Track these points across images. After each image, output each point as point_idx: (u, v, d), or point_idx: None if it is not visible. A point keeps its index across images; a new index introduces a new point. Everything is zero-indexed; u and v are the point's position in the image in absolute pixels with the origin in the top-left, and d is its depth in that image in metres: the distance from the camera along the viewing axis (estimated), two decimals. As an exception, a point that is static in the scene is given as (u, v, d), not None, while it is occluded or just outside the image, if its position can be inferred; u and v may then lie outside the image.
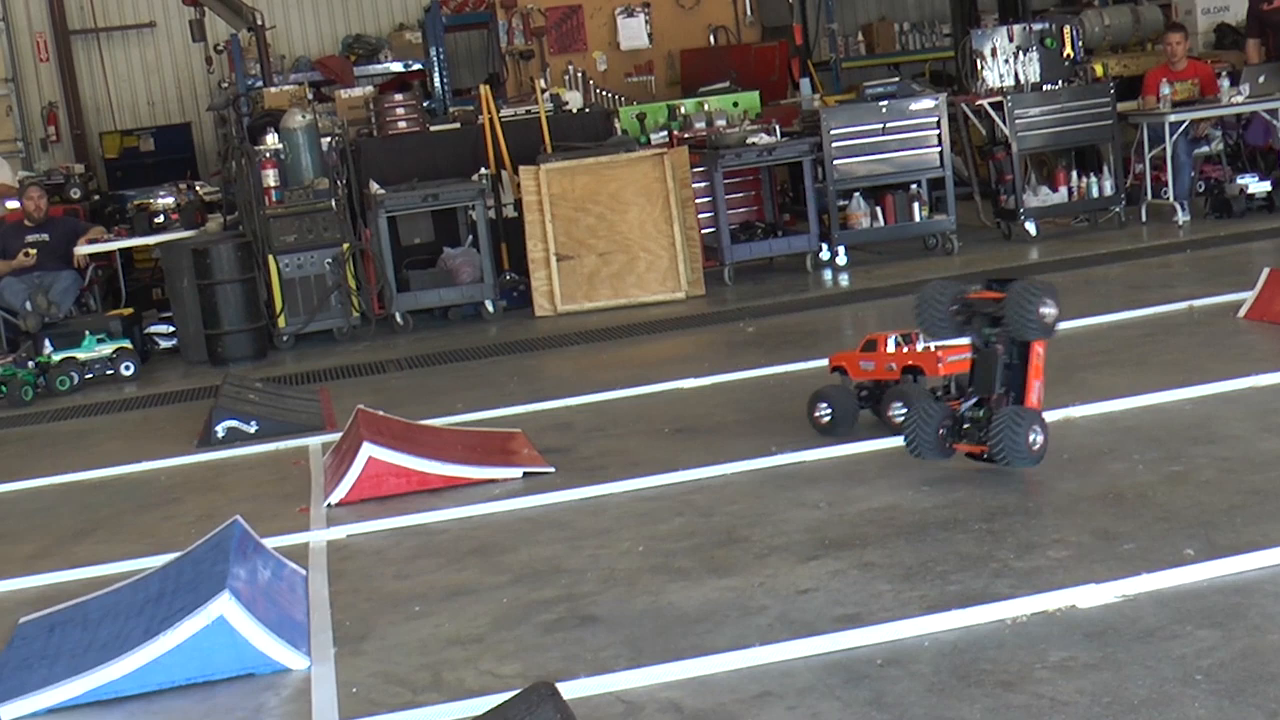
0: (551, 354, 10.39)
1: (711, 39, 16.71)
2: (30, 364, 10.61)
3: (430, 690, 4.60)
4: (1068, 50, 12.83)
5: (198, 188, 14.10)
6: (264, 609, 4.99)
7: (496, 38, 16.44)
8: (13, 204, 12.81)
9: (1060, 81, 12.77)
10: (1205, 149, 13.41)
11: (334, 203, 11.57)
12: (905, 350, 6.95)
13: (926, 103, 12.46)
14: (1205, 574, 4.77)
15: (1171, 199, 12.80)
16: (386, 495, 6.78)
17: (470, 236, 12.08)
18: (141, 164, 18.61)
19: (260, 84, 14.86)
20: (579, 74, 15.41)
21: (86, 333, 11.07)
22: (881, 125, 12.33)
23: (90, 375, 10.87)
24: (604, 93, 15.22)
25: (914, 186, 12.59)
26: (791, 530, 5.72)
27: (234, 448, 8.23)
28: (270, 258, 11.46)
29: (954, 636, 4.51)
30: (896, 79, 13.63)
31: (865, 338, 7.18)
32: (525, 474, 6.93)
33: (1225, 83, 12.83)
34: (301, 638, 5.06)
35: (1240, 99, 12.80)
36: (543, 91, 13.07)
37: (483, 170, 12.15)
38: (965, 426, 6.09)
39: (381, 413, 7.50)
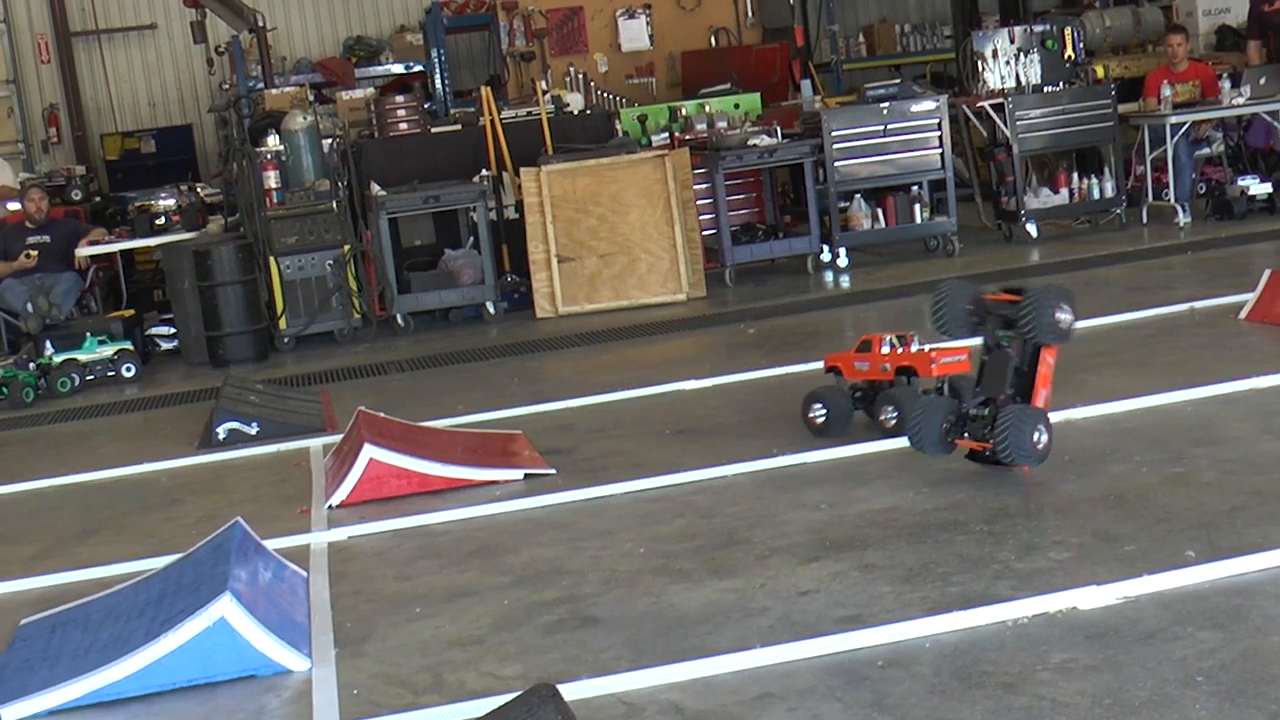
0: (552, 355, 10.39)
1: (712, 41, 16.71)
2: (31, 366, 10.62)
3: (431, 692, 4.60)
4: (1069, 52, 12.83)
5: (199, 189, 14.09)
6: (265, 610, 4.99)
7: (497, 39, 16.44)
8: (14, 206, 12.82)
9: (1061, 83, 12.76)
10: (1206, 151, 13.41)
11: (335, 204, 11.58)
12: (899, 352, 6.98)
13: (927, 104, 12.47)
14: (1206, 575, 4.77)
15: (1172, 201, 12.80)
16: (388, 497, 6.78)
17: (471, 238, 12.08)
18: (142, 165, 18.60)
19: (261, 85, 14.86)
20: (580, 75, 15.42)
21: (87, 334, 11.07)
22: (882, 127, 12.33)
23: (91, 377, 10.87)
24: (605, 94, 15.22)
25: (915, 188, 12.59)
26: (792, 532, 5.72)
27: (235, 449, 8.23)
28: (271, 259, 11.47)
29: (955, 638, 4.51)
30: (897, 81, 13.63)
31: (860, 339, 7.20)
32: (526, 475, 6.93)
33: (1226, 84, 12.82)
34: (303, 639, 5.06)
35: (1241, 101, 12.80)
36: (544, 93, 13.07)
37: (484, 172, 12.15)
38: (970, 423, 6.10)
39: (383, 414, 7.50)
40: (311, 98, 14.10)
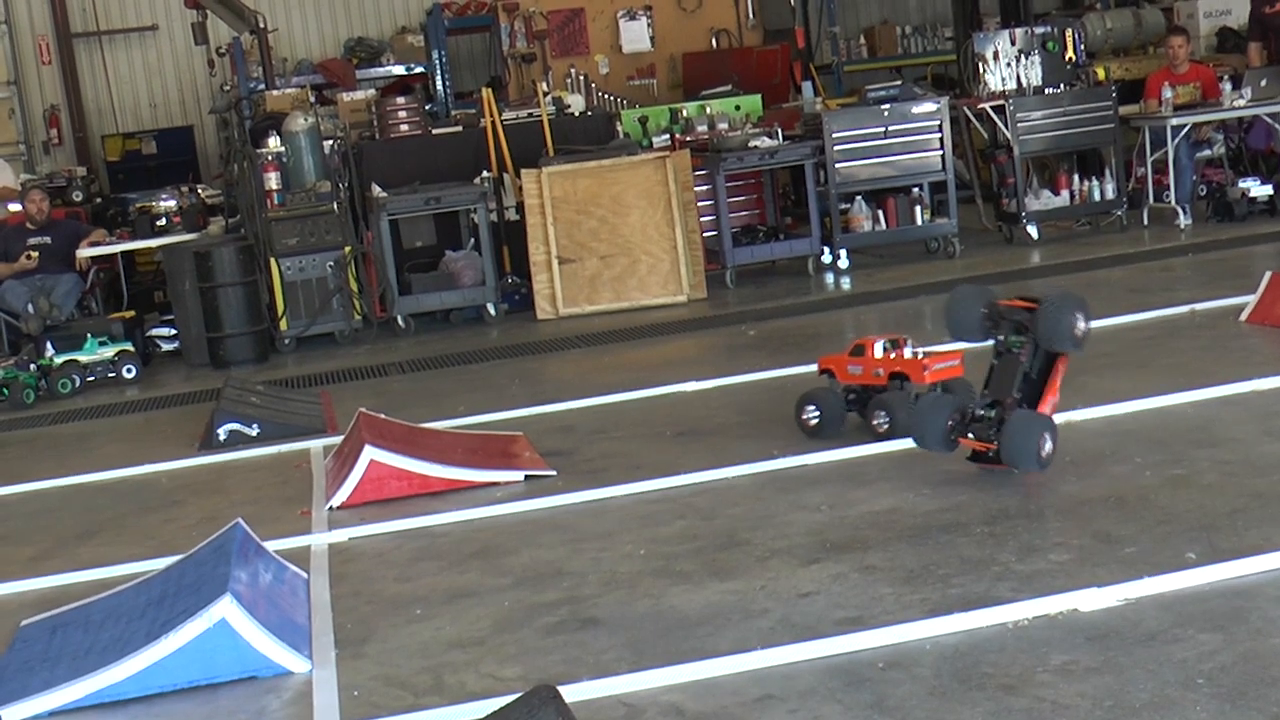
0: (553, 357, 10.40)
1: (713, 42, 16.71)
2: (32, 367, 10.62)
3: (431, 693, 4.60)
4: (1069, 53, 12.82)
5: (200, 191, 14.08)
6: (266, 612, 4.99)
7: (498, 41, 16.43)
8: (15, 207, 12.82)
9: (1062, 85, 12.76)
10: (1207, 152, 13.41)
11: (336, 206, 11.58)
12: (892, 356, 7.00)
13: (928, 106, 12.46)
14: (1207, 577, 4.77)
15: (1173, 202, 12.79)
16: (388, 498, 6.78)
17: (472, 239, 12.08)
18: (143, 167, 18.59)
19: (262, 87, 14.87)
20: (581, 77, 15.42)
21: (88, 335, 11.07)
22: (883, 129, 12.33)
23: (92, 378, 10.87)
24: (606, 96, 15.22)
25: (916, 190, 12.58)
26: (793, 533, 5.72)
27: (236, 450, 8.23)
28: (272, 261, 11.47)
29: (956, 640, 4.51)
30: (898, 82, 13.62)
31: (853, 342, 7.22)
32: (527, 477, 6.93)
33: (1227, 86, 12.82)
34: (303, 640, 5.06)
35: (1242, 102, 12.80)
36: (545, 94, 13.07)
37: (485, 173, 12.14)
38: (975, 423, 6.11)
39: (383, 416, 7.50)
40: (312, 99, 14.09)
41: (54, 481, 8.10)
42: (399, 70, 18.14)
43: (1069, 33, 12.89)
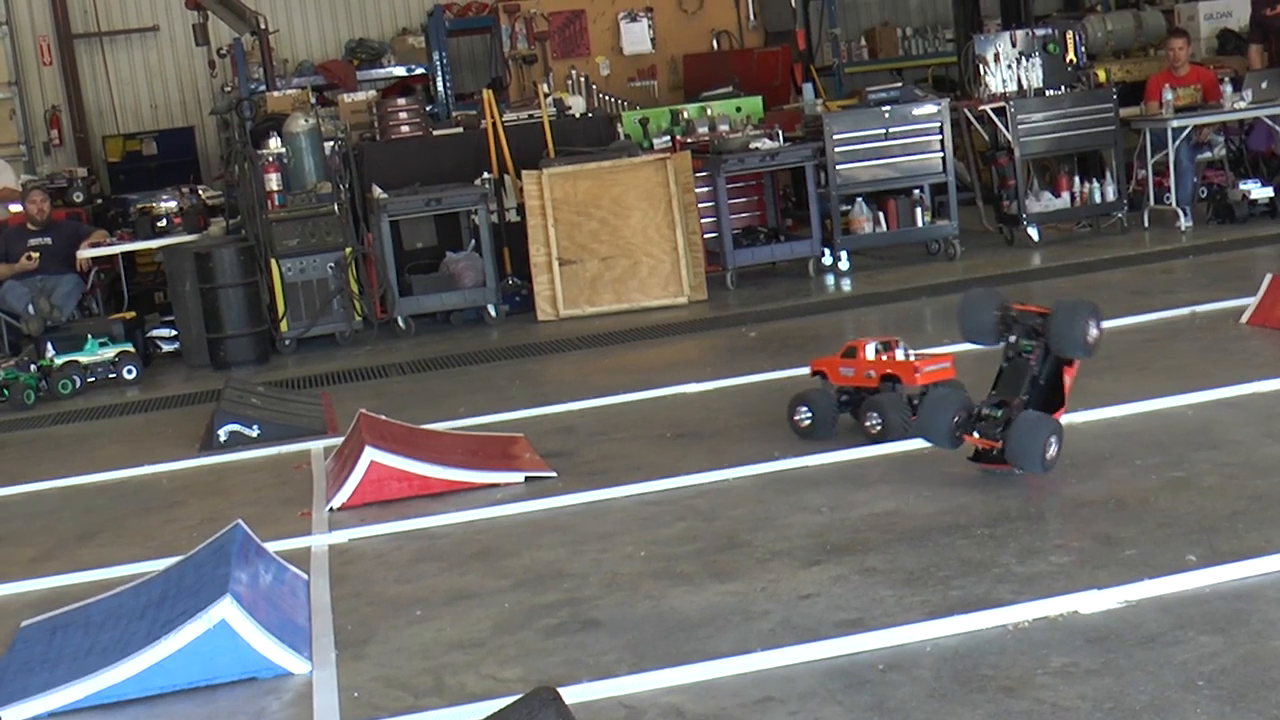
0: (553, 358, 10.39)
1: (714, 44, 16.71)
2: (32, 367, 10.62)
3: (432, 694, 4.60)
4: (1070, 55, 12.82)
5: (200, 192, 14.08)
6: (266, 613, 4.99)
7: (499, 42, 16.44)
8: (15, 207, 12.82)
9: (1063, 87, 12.76)
10: (1208, 154, 13.41)
11: (336, 207, 11.58)
12: (884, 358, 7.02)
13: (929, 108, 12.46)
14: (1207, 580, 4.78)
15: (1174, 204, 12.79)
16: (388, 499, 6.78)
17: (473, 241, 12.08)
18: (144, 168, 18.59)
19: (263, 88, 14.87)
20: (582, 78, 15.42)
21: (89, 336, 11.06)
22: (884, 130, 12.33)
23: (92, 379, 10.87)
24: (607, 97, 15.22)
25: (916, 192, 12.58)
26: (793, 535, 5.72)
27: (236, 452, 8.24)
28: (273, 261, 11.47)
29: (956, 642, 4.51)
30: (899, 84, 13.63)
31: (846, 344, 7.23)
32: (527, 478, 6.93)
33: (1228, 88, 12.82)
34: (303, 642, 5.06)
35: (1243, 105, 12.80)
36: (545, 96, 13.07)
37: (485, 175, 12.14)
38: (981, 422, 6.12)
39: (383, 417, 7.50)
40: (313, 100, 14.10)
41: (54, 482, 8.10)
42: (400, 71, 18.15)
43: (1070, 35, 12.89)
